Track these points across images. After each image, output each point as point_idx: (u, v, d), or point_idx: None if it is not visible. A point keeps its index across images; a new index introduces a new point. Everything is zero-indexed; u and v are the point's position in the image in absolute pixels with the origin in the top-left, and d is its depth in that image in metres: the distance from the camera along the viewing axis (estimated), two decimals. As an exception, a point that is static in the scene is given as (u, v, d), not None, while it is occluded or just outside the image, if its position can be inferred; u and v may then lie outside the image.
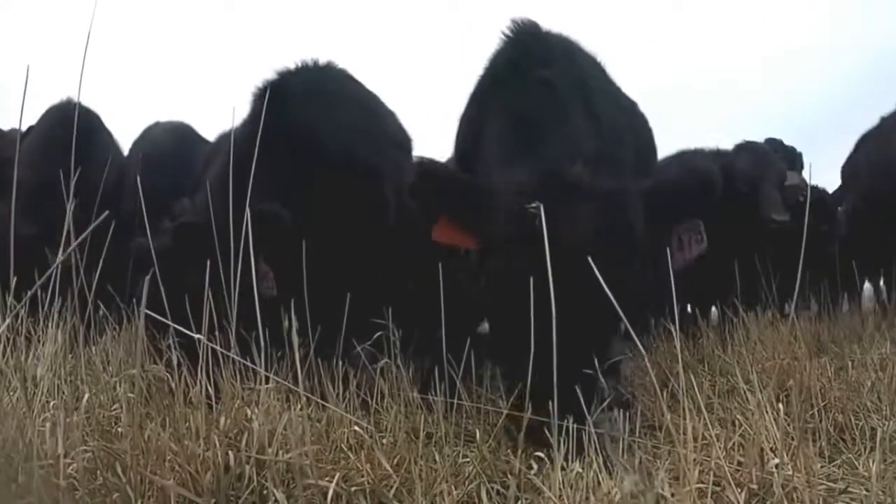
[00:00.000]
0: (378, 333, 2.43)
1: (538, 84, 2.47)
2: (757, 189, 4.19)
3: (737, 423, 1.86)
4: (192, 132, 4.72)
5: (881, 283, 5.38)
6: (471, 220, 2.20)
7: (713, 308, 4.63)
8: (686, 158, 4.25)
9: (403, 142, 3.34)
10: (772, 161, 4.48)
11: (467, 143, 2.73)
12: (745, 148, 4.56)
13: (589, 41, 2.81)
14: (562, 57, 2.64)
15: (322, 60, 3.13)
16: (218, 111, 3.71)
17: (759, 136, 5.07)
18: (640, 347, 1.65)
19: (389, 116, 3.35)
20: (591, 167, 2.13)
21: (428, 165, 2.35)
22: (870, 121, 5.19)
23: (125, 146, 4.58)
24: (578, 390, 1.71)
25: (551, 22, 2.76)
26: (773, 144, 5.22)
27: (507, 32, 2.74)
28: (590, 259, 1.65)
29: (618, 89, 2.96)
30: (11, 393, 1.67)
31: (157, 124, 4.83)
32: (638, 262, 2.08)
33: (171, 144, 4.49)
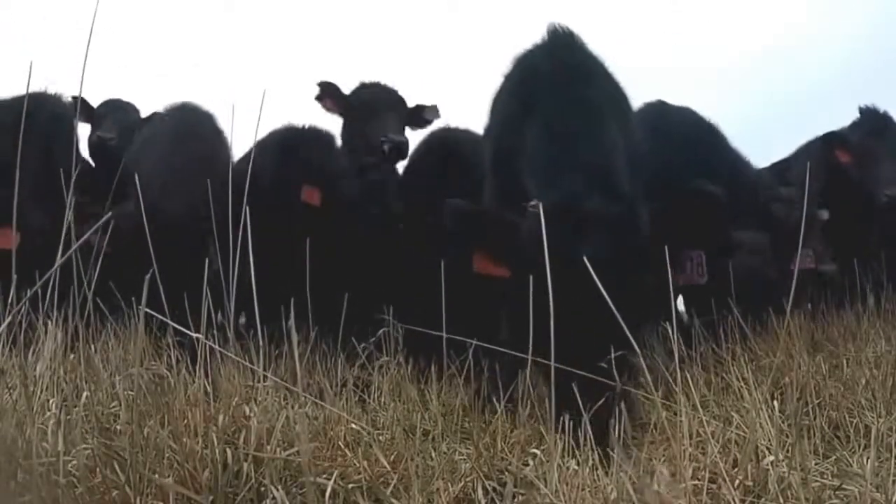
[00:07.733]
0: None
1: (579, 101, 2.47)
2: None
3: (732, 420, 1.87)
4: None
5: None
6: (499, 252, 2.26)
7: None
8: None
9: None
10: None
11: (505, 142, 2.70)
12: None
13: (588, 39, 2.81)
14: (601, 74, 2.70)
15: None
16: (218, 110, 3.73)
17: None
18: (636, 345, 1.66)
19: None
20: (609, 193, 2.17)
21: (456, 206, 2.37)
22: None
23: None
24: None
25: (550, 18, 2.77)
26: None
27: (545, 38, 2.75)
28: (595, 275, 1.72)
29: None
30: (11, 391, 1.67)
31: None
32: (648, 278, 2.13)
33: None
